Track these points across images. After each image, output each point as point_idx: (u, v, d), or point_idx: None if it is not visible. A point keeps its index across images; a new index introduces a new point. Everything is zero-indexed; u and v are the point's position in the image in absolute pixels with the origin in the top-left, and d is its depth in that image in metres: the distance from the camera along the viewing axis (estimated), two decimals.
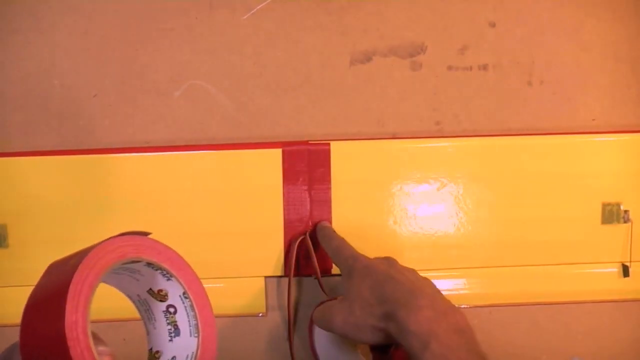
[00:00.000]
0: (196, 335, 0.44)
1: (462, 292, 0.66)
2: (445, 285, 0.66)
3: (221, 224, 0.64)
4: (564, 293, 0.67)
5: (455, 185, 0.66)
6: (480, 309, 0.67)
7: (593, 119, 0.67)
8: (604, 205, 0.66)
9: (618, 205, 0.66)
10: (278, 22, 0.65)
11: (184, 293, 0.44)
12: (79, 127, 0.64)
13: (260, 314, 0.66)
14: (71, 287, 0.36)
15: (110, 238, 0.41)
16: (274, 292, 0.66)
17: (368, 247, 0.60)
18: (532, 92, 0.67)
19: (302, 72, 0.66)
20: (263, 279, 0.65)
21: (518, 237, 0.66)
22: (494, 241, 0.66)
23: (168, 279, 0.44)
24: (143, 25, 0.64)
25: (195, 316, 0.45)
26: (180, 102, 0.65)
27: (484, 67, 0.67)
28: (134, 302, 0.46)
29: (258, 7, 0.65)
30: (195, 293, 0.45)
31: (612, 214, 0.66)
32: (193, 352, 0.44)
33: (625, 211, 0.66)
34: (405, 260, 0.57)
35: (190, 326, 0.45)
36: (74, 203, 0.63)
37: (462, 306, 0.67)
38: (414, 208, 0.65)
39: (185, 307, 0.45)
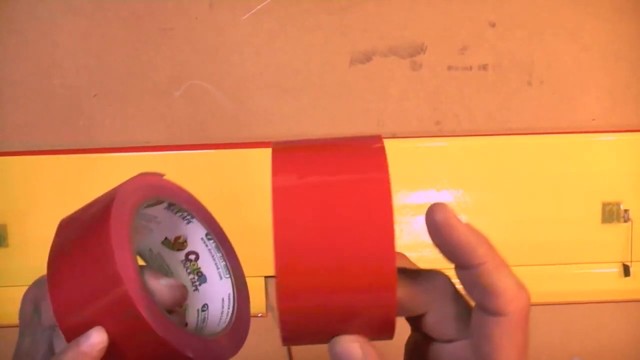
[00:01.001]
0: (228, 275, 0.40)
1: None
2: None
3: (221, 224, 0.64)
4: (564, 293, 0.67)
5: (455, 185, 0.65)
6: None
7: (593, 119, 0.67)
8: (604, 205, 0.66)
9: (618, 204, 0.66)
10: (278, 22, 0.65)
11: (206, 234, 0.40)
12: (79, 127, 0.64)
13: (260, 314, 0.66)
14: (112, 215, 0.33)
15: (127, 180, 0.37)
16: (274, 292, 0.66)
17: None
18: (532, 92, 0.67)
19: (302, 72, 0.66)
20: (263, 279, 0.65)
21: (518, 237, 0.66)
22: (493, 241, 0.66)
23: (188, 222, 0.40)
24: (143, 25, 0.64)
25: (222, 257, 0.40)
26: (180, 102, 0.65)
27: (484, 67, 0.67)
28: (145, 259, 0.41)
29: (258, 7, 0.65)
30: (218, 234, 0.40)
31: (612, 214, 0.66)
32: (230, 294, 0.39)
33: (625, 210, 0.66)
34: None
35: (218, 268, 0.40)
36: (74, 203, 0.63)
37: None
38: (414, 208, 0.65)
39: (209, 249, 0.40)
